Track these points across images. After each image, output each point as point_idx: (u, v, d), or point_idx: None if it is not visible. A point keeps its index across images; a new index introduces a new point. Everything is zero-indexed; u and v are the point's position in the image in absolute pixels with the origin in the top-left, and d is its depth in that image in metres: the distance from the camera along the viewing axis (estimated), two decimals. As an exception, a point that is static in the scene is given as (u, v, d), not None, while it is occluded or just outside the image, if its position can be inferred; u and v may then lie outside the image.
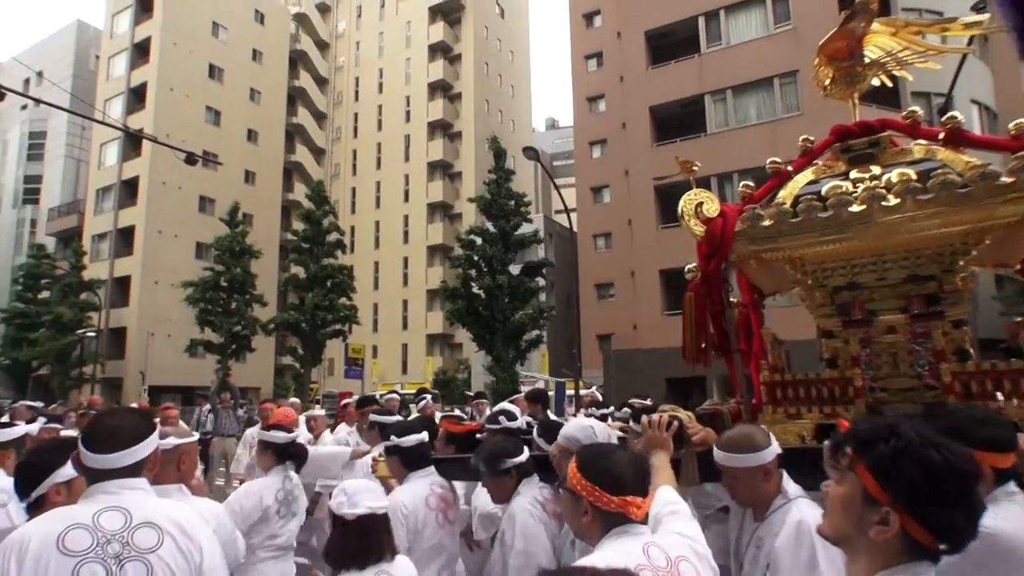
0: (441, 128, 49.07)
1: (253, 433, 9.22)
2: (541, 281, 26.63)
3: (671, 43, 27.25)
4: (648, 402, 8.71)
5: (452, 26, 50.60)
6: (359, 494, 2.37)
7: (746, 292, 3.79)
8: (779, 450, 2.44)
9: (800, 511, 2.31)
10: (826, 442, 2.33)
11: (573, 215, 45.80)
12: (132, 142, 42.05)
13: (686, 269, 3.74)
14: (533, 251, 29.30)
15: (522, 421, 4.89)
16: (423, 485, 3.33)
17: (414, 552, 3.05)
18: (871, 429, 1.36)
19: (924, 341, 3.06)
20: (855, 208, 2.97)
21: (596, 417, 6.59)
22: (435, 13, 50.43)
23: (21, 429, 3.33)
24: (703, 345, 3.56)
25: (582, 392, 10.93)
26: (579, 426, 2.88)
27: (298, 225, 32.73)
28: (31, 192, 52.25)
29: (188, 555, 1.93)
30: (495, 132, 48.62)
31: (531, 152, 18.73)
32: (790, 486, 2.44)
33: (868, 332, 3.18)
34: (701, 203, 3.39)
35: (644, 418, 2.72)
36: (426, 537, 3.20)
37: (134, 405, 11.58)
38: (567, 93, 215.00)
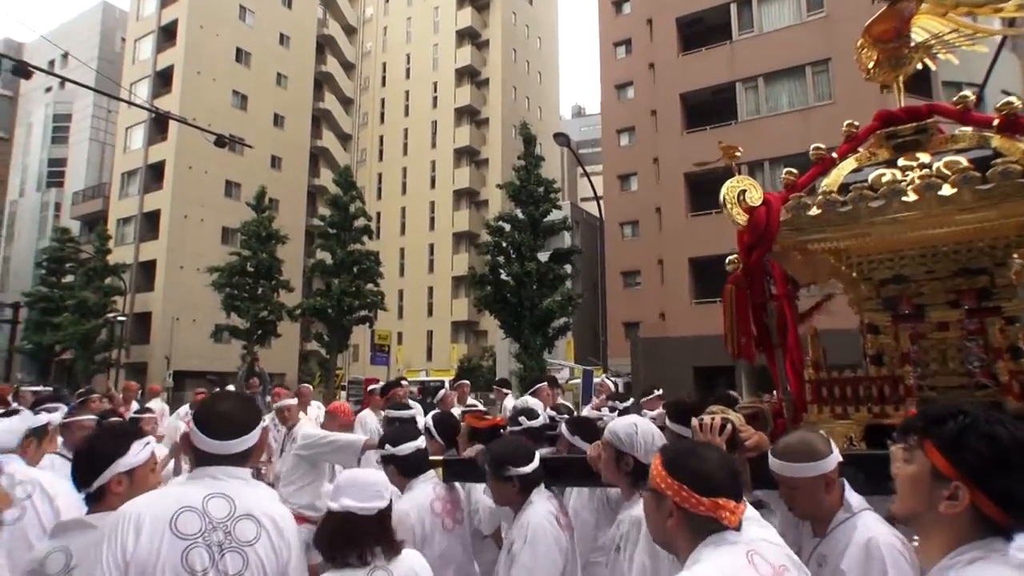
0: (468, 114, 48.97)
1: (267, 419, 9.24)
2: (569, 268, 26.56)
3: (702, 30, 27.05)
4: (659, 392, 8.61)
5: (480, 12, 50.39)
6: (346, 488, 2.27)
7: (780, 283, 3.62)
8: (840, 458, 2.28)
9: (867, 527, 2.17)
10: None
11: (603, 202, 45.65)
12: (158, 126, 42.44)
13: (727, 260, 3.63)
14: (560, 239, 29.16)
15: (545, 416, 4.76)
16: (425, 491, 3.21)
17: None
18: (938, 409, 1.40)
19: (977, 338, 2.94)
20: (909, 197, 2.83)
21: (619, 411, 6.38)
22: (463, -1, 50.25)
23: (44, 418, 3.25)
24: (744, 339, 3.42)
25: (595, 381, 10.43)
26: (626, 424, 2.74)
27: (324, 211, 32.79)
28: (55, 175, 53.06)
29: (279, 552, 1.96)
30: (522, 119, 48.36)
31: (563, 138, 18.59)
32: (853, 497, 2.30)
33: (918, 328, 3.06)
34: (744, 191, 3.21)
35: (695, 421, 2.57)
36: (436, 544, 3.09)
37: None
38: (594, 80, 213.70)
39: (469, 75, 49.39)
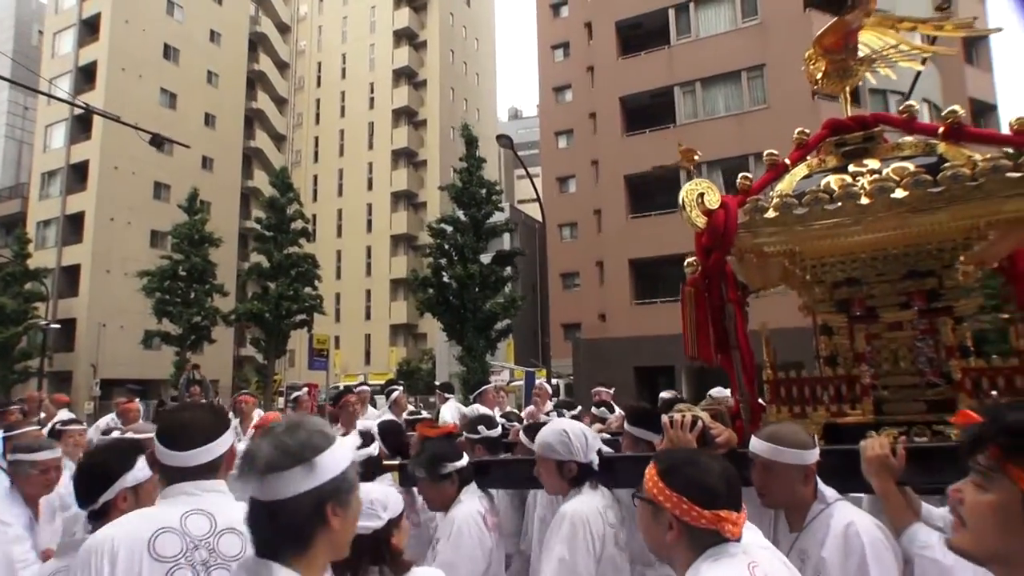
0: (406, 115, 48.69)
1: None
2: (511, 270, 26.64)
3: (641, 34, 27.45)
4: (611, 391, 8.68)
5: (417, 12, 50.22)
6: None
7: (732, 288, 3.63)
8: (818, 456, 2.31)
9: (845, 515, 2.20)
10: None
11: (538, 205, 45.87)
12: (81, 124, 40.69)
13: (685, 263, 3.61)
14: (500, 241, 29.22)
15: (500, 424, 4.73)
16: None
17: None
18: (1017, 415, 1.11)
19: (927, 337, 3.02)
20: (864, 200, 2.91)
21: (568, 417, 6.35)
22: (400, -1, 49.92)
23: None
24: (703, 341, 3.43)
25: (537, 383, 10.07)
26: (553, 431, 2.74)
27: (259, 213, 32.08)
28: (-33, 175, 50.20)
29: None
30: (460, 120, 48.32)
31: (505, 140, 18.68)
32: (827, 490, 2.32)
33: (871, 328, 3.12)
34: (702, 193, 3.21)
35: (665, 418, 2.61)
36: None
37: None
38: (529, 83, 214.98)
39: (407, 76, 49.12)
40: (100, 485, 2.16)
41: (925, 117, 23.43)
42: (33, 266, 35.59)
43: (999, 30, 3.85)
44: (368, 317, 45.97)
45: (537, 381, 10.59)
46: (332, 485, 1.36)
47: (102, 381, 32.56)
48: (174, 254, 30.97)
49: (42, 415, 9.94)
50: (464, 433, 3.98)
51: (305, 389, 10.50)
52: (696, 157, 3.61)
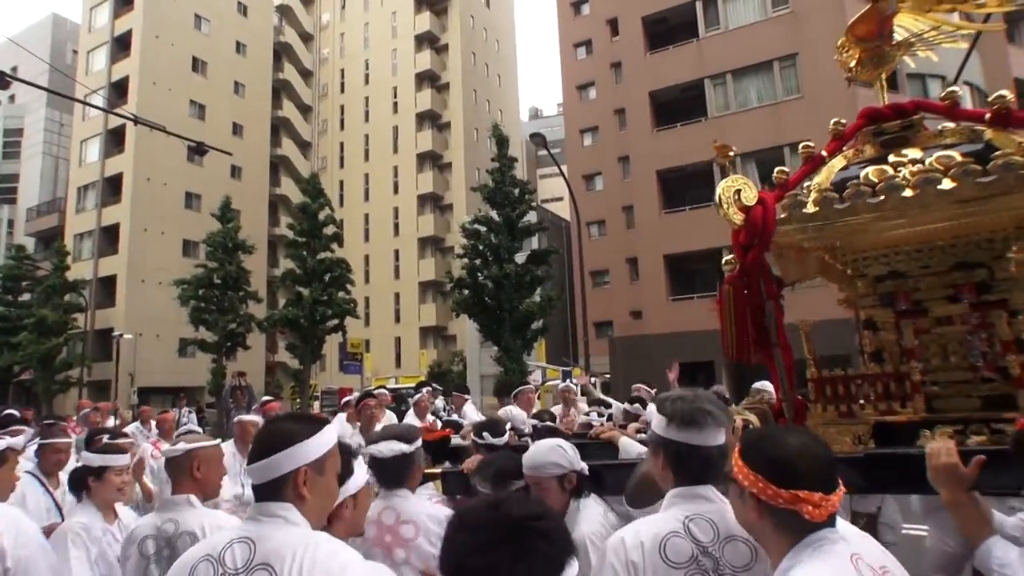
0: (429, 119, 48.78)
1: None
2: (546, 269, 26.43)
3: (668, 28, 27.23)
4: (653, 390, 8.17)
5: (438, 16, 50.30)
6: None
7: (769, 283, 3.70)
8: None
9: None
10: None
11: (565, 202, 45.84)
12: (114, 138, 41.54)
13: (723, 261, 3.54)
14: (530, 241, 29.18)
15: (527, 425, 4.59)
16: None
17: None
18: None
19: (980, 331, 2.91)
20: (908, 192, 2.77)
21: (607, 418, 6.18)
22: (421, 3, 50.14)
23: (2, 443, 3.00)
24: (743, 340, 3.32)
25: (559, 387, 9.58)
26: (547, 447, 2.66)
27: (288, 219, 32.39)
28: (7, 191, 51.43)
29: None
30: (483, 122, 48.53)
31: (538, 138, 18.61)
32: None
33: (919, 323, 3.03)
34: (739, 190, 3.09)
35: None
36: None
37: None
38: (550, 83, 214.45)
39: (429, 79, 49.22)
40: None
41: (967, 101, 22.96)
42: (71, 278, 36.49)
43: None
44: (398, 320, 46.11)
45: (562, 383, 10.33)
46: None
47: (139, 389, 33.15)
48: (208, 262, 31.40)
49: (116, 421, 10.26)
50: (472, 438, 3.91)
51: (384, 390, 10.37)
52: (731, 153, 3.44)
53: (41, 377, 35.10)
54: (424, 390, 9.02)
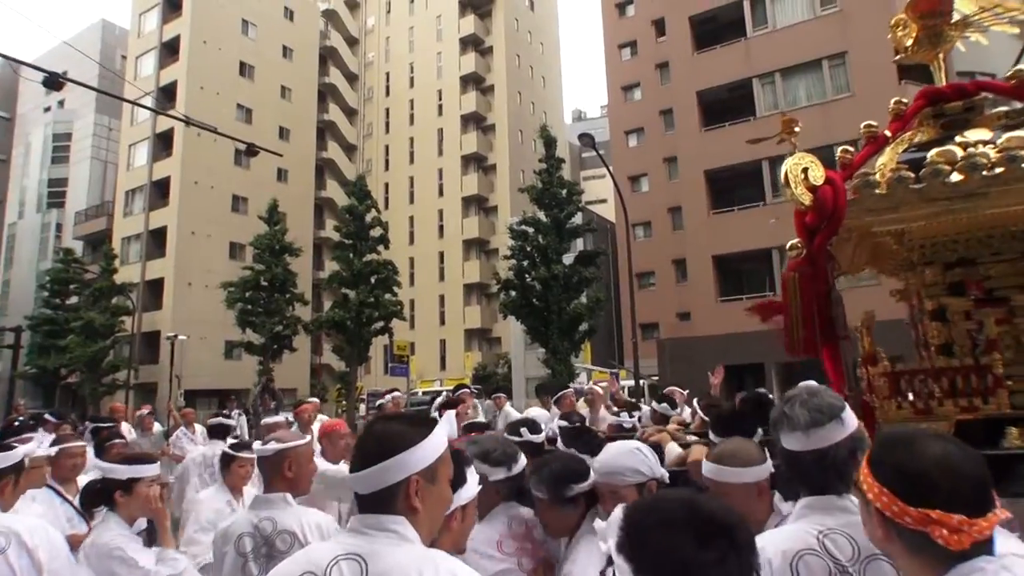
0: (474, 121, 48.76)
1: None
2: (594, 270, 26.32)
3: (716, 27, 27.17)
4: (685, 392, 8.45)
5: (482, 19, 50.38)
6: None
7: (835, 269, 3.39)
8: (772, 468, 2.20)
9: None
10: None
11: (609, 204, 45.03)
12: (162, 142, 42.06)
13: (788, 246, 3.32)
14: (577, 242, 28.85)
15: (551, 429, 4.39)
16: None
17: None
18: None
19: None
20: (994, 171, 2.66)
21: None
22: (465, 6, 50.30)
23: (19, 452, 2.79)
24: (807, 331, 3.11)
25: (588, 386, 9.33)
26: (623, 450, 2.45)
27: (333, 222, 32.34)
28: (56, 196, 52.51)
29: None
30: (528, 124, 48.21)
31: (587, 139, 18.61)
32: (783, 505, 2.21)
33: (999, 313, 2.86)
34: (807, 168, 2.96)
35: None
36: None
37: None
38: (592, 85, 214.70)
39: (474, 82, 49.23)
40: None
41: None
42: (119, 281, 36.92)
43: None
44: (443, 323, 45.97)
45: (588, 384, 9.98)
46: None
47: (185, 392, 33.20)
48: (255, 264, 31.42)
49: (171, 423, 10.39)
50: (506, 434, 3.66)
51: (389, 397, 10.58)
52: (797, 128, 3.27)
53: (88, 379, 35.43)
54: (460, 392, 8.89)
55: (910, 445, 1.31)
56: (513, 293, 24.57)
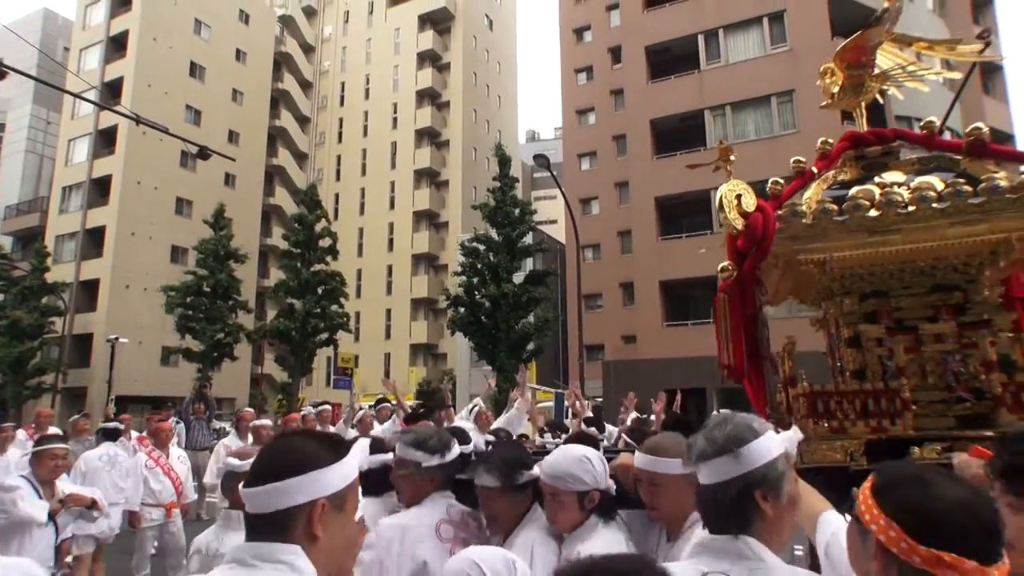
0: (428, 136, 48.73)
1: (227, 443, 9.18)
2: (544, 291, 26.50)
3: (670, 59, 27.71)
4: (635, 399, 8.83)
5: (441, 35, 50.57)
6: None
7: (762, 294, 3.59)
8: None
9: None
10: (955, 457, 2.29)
11: (559, 225, 45.41)
12: (104, 139, 40.72)
13: (719, 268, 3.57)
14: (528, 261, 29.06)
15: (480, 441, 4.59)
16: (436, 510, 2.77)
17: None
18: None
19: (958, 351, 3.01)
20: (907, 210, 2.96)
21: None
22: (424, 21, 50.34)
23: None
24: (736, 351, 3.32)
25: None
26: (575, 459, 2.36)
27: (282, 230, 31.81)
28: (-16, 187, 50.12)
29: None
30: (482, 141, 48.43)
31: (542, 160, 18.81)
32: None
33: (909, 341, 3.09)
34: (740, 195, 3.18)
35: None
36: None
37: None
38: (548, 106, 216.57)
39: (430, 97, 49.24)
40: None
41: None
42: (51, 280, 35.34)
43: (1003, 58, 4.26)
44: (388, 337, 45.57)
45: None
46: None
47: (117, 398, 31.99)
48: (198, 269, 30.66)
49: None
50: None
51: (327, 406, 10.75)
52: (732, 157, 3.53)
53: (12, 382, 33.67)
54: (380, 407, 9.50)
55: (926, 484, 1.27)
56: (462, 310, 24.58)
